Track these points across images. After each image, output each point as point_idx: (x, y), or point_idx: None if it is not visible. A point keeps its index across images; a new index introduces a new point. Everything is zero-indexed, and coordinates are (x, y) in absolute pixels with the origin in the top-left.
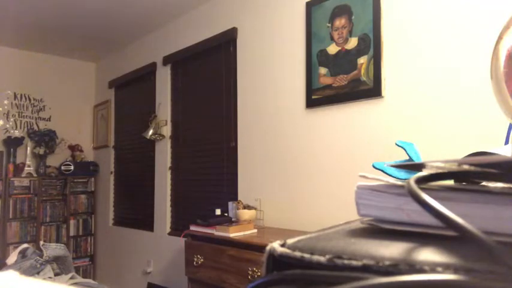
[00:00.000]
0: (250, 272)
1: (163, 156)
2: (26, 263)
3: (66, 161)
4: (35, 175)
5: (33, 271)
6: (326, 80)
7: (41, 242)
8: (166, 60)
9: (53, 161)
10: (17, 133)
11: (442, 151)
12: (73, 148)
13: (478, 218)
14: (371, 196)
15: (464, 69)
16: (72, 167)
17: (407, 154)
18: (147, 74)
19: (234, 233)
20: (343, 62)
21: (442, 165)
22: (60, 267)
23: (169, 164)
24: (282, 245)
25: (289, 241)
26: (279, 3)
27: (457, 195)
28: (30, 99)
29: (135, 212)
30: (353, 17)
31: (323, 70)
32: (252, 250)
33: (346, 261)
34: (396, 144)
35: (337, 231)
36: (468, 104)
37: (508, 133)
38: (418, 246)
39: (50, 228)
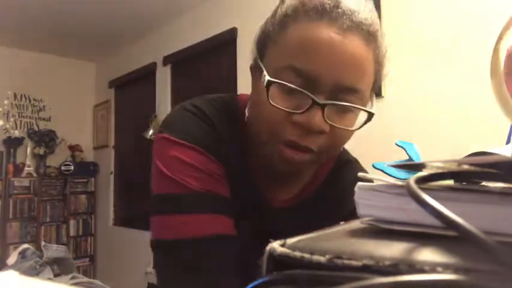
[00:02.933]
0: None
1: None
2: (25, 264)
3: (66, 161)
4: (35, 175)
5: (32, 272)
6: None
7: (43, 243)
8: (167, 60)
9: (53, 161)
10: (17, 133)
11: (442, 151)
12: (73, 148)
13: (478, 218)
14: (371, 196)
15: (464, 69)
16: (72, 167)
17: (407, 154)
18: (147, 74)
19: None
20: None
21: (442, 165)
22: (60, 268)
23: None
24: (282, 245)
25: (289, 241)
26: (278, 3)
27: (457, 195)
28: (30, 99)
29: (135, 212)
30: None
31: None
32: None
33: (346, 261)
34: (396, 144)
35: (337, 231)
36: (468, 104)
37: (509, 133)
38: (418, 246)
39: (50, 228)
